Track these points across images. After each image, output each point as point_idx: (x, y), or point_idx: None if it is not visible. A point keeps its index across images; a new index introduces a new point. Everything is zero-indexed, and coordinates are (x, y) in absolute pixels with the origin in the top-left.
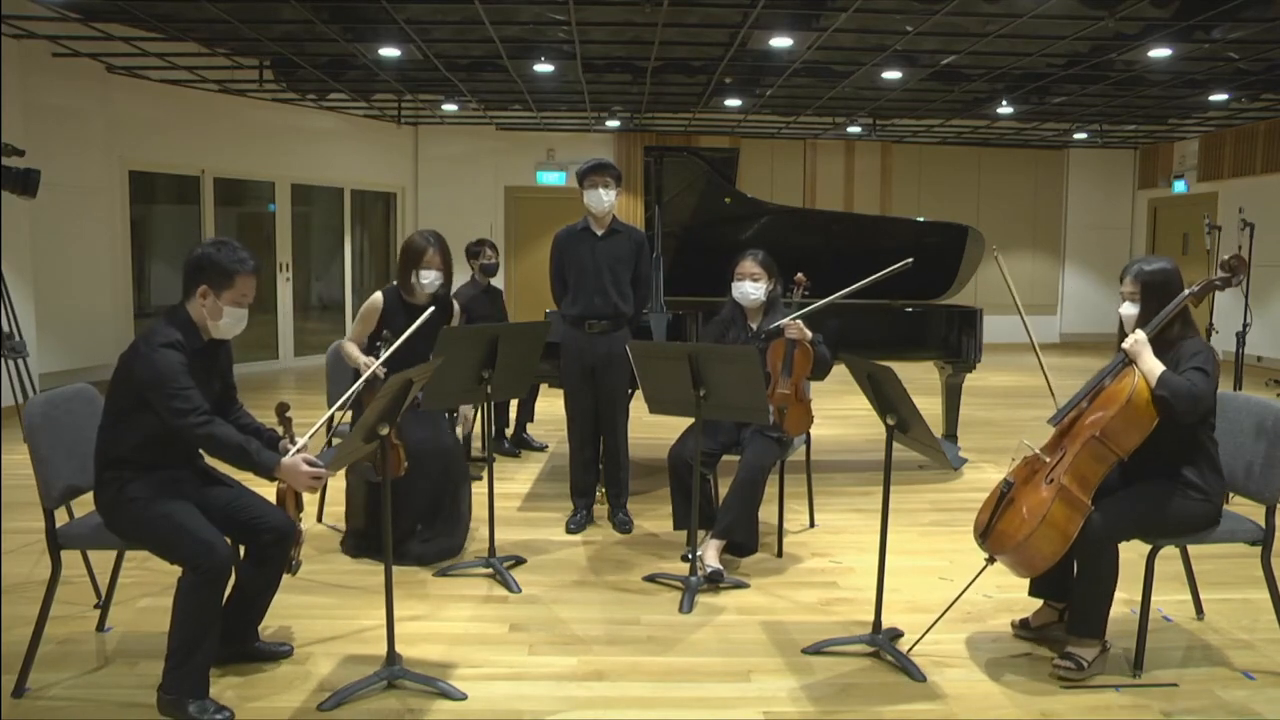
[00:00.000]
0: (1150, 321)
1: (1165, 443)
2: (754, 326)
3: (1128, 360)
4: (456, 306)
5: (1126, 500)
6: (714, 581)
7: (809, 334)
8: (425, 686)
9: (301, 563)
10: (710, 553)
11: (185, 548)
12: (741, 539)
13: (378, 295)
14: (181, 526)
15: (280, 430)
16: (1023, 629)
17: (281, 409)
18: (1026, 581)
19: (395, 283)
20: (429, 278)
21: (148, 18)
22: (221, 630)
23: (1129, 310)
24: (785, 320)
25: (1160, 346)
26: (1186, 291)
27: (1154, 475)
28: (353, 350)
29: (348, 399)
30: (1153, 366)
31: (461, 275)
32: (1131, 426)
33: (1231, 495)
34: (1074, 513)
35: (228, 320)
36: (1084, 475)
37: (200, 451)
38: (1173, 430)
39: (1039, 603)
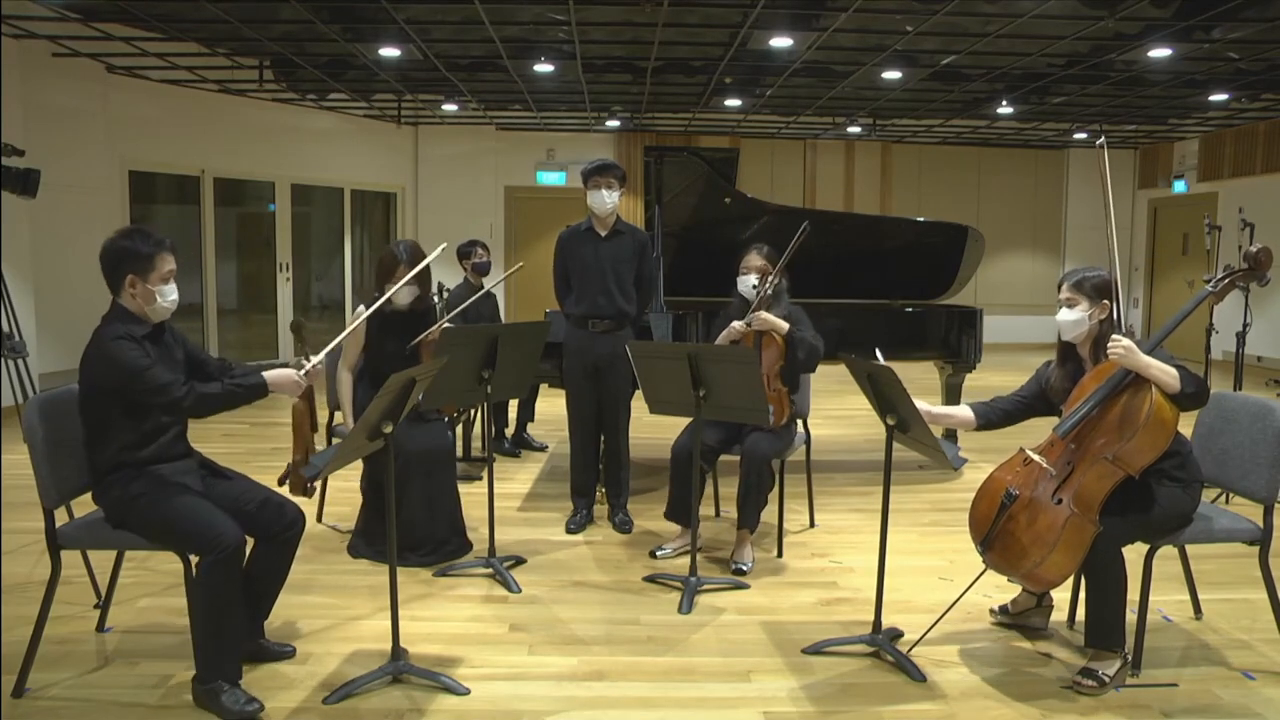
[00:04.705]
0: (1163, 326)
1: None
2: None
3: (1130, 374)
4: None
5: (1123, 505)
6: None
7: (780, 324)
8: (429, 681)
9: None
10: (745, 549)
11: (197, 535)
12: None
13: (361, 308)
14: (190, 516)
15: (296, 345)
16: (1002, 614)
17: (296, 326)
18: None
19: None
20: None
21: (148, 18)
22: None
23: (1067, 316)
24: (751, 314)
25: (1098, 351)
26: (1207, 289)
27: (1145, 477)
28: (345, 392)
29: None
30: (1165, 369)
31: (455, 277)
32: (1148, 447)
33: (1231, 495)
34: (1084, 535)
35: (161, 301)
36: (1092, 495)
37: (196, 448)
38: None
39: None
